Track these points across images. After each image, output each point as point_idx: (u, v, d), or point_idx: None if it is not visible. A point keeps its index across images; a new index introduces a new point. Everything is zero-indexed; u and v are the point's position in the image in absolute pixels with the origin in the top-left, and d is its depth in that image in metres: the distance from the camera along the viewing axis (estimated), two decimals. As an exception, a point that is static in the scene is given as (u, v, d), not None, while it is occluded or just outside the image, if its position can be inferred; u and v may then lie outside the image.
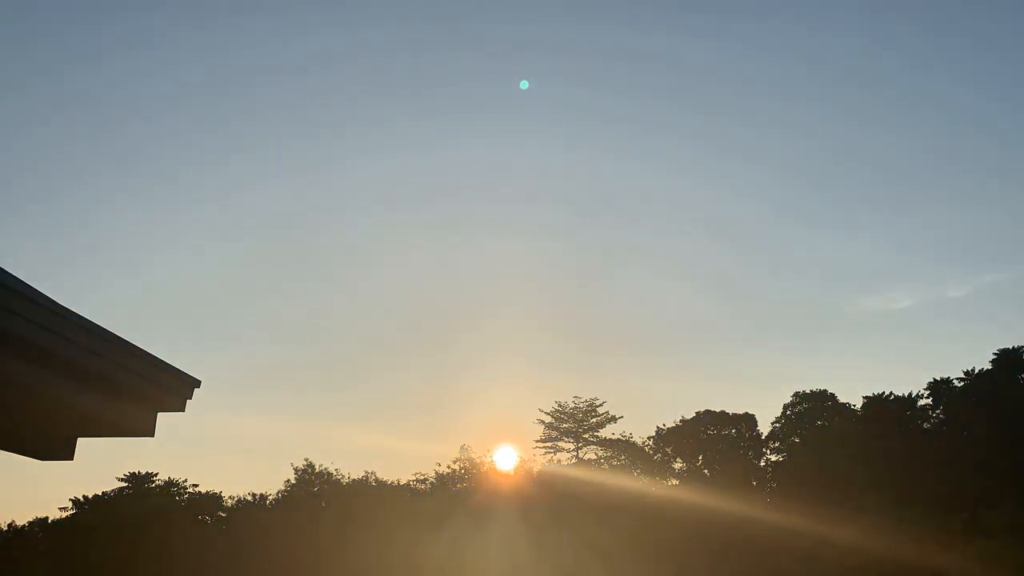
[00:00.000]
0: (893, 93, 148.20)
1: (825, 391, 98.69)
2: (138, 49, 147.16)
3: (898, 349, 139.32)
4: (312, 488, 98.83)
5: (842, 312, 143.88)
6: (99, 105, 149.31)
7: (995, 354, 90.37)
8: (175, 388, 7.21)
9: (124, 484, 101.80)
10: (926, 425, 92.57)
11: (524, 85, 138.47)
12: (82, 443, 7.70)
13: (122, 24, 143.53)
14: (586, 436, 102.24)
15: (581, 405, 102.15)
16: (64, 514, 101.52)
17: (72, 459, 7.73)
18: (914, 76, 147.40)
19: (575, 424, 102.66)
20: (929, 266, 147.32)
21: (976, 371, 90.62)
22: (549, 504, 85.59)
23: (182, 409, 7.40)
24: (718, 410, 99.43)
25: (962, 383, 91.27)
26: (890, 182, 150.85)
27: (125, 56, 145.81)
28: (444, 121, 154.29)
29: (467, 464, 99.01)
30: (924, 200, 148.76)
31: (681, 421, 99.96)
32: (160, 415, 7.38)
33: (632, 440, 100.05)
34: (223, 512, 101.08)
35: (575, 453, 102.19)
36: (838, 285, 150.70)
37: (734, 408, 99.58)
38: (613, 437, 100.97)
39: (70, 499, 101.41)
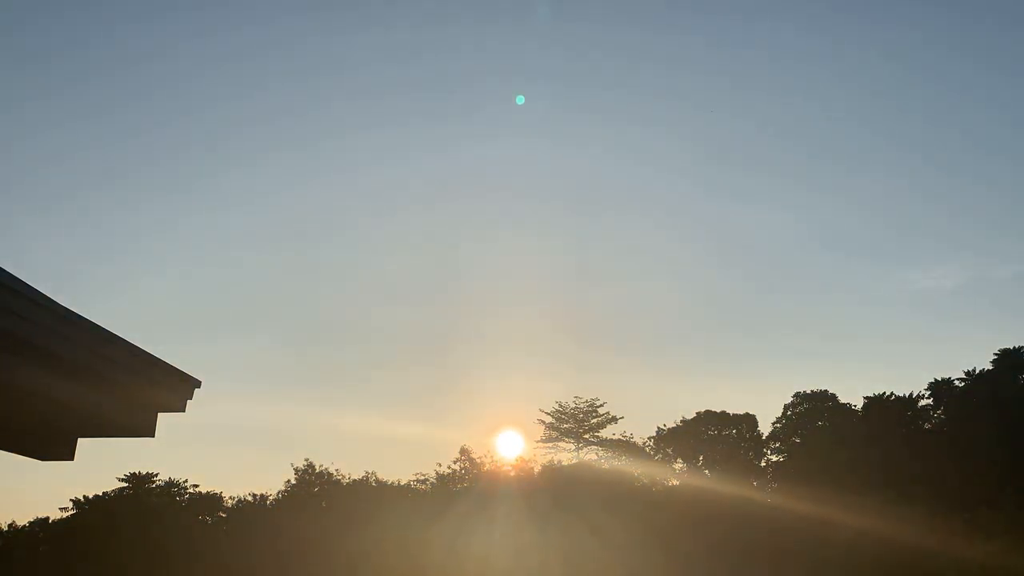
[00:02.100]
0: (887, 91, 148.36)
1: (826, 391, 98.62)
2: (149, 60, 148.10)
3: (940, 328, 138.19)
4: (312, 488, 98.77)
5: (882, 294, 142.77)
6: (111, 114, 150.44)
7: (996, 354, 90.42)
8: (175, 388, 7.19)
9: (124, 484, 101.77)
10: (927, 425, 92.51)
11: (520, 100, 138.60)
12: (82, 443, 7.68)
13: (136, 34, 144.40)
14: (587, 436, 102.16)
15: (582, 405, 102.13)
16: (64, 514, 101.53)
17: (72, 459, 7.70)
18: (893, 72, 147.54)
19: (576, 424, 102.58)
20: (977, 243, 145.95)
21: (977, 371, 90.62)
22: (552, 497, 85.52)
23: (182, 409, 7.38)
24: (719, 410, 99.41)
25: (963, 383, 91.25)
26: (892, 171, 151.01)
27: (139, 66, 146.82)
28: (447, 123, 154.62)
29: (467, 464, 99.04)
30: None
31: (681, 421, 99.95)
32: (160, 415, 7.36)
33: (632, 440, 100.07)
34: (223, 512, 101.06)
35: (576, 454, 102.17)
36: (853, 270, 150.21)
37: (735, 408, 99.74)
38: (614, 438, 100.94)
39: (70, 499, 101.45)
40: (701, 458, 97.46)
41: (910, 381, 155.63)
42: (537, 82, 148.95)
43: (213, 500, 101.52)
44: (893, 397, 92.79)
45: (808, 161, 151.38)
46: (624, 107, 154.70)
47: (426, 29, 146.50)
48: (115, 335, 6.39)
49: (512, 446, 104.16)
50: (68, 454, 7.64)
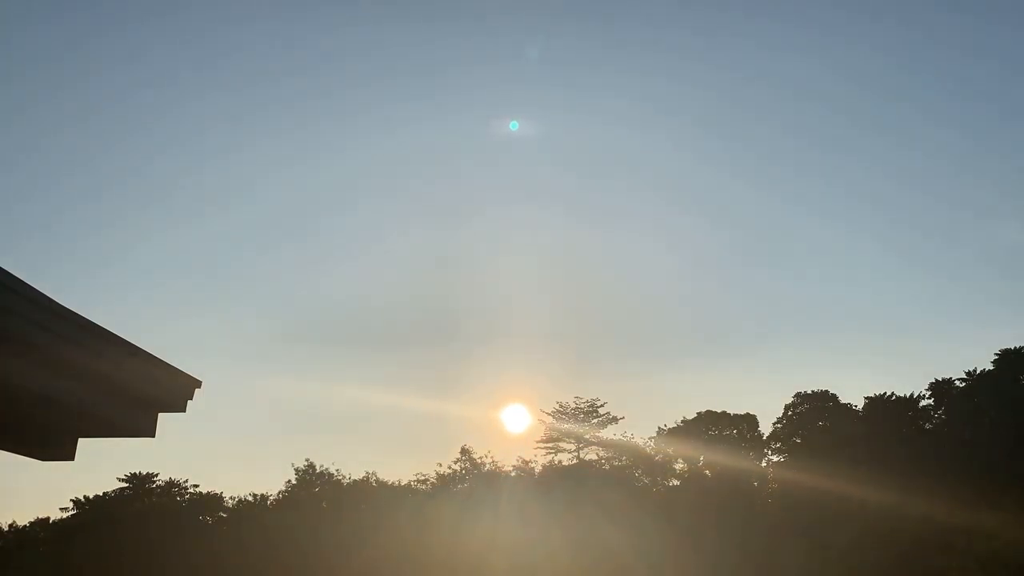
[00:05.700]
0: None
1: (826, 391, 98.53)
2: (143, 57, 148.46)
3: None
4: (313, 489, 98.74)
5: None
6: (110, 111, 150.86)
7: (996, 355, 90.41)
8: (175, 388, 7.17)
9: (125, 484, 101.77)
10: (928, 426, 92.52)
11: (514, 126, 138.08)
12: (82, 443, 7.66)
13: (132, 33, 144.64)
14: (587, 437, 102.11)
15: (582, 406, 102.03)
16: (64, 514, 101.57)
17: (72, 459, 7.68)
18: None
19: (576, 425, 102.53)
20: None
21: (978, 371, 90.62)
22: (553, 498, 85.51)
23: (183, 409, 7.35)
24: (719, 410, 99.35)
25: (964, 383, 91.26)
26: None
27: (135, 65, 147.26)
28: (454, 121, 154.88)
29: (467, 464, 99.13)
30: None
31: (682, 422, 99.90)
32: (160, 415, 7.34)
33: (633, 441, 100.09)
34: (223, 513, 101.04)
35: (576, 454, 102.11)
36: (855, 269, 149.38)
37: (735, 408, 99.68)
38: (614, 438, 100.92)
39: (70, 499, 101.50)
40: (702, 458, 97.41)
41: (911, 381, 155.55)
42: (542, 79, 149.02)
43: (213, 500, 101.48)
44: (894, 397, 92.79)
45: (811, 151, 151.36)
46: (627, 105, 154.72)
47: (425, 27, 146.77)
48: (115, 335, 6.37)
49: (518, 420, 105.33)
50: (68, 454, 7.62)
